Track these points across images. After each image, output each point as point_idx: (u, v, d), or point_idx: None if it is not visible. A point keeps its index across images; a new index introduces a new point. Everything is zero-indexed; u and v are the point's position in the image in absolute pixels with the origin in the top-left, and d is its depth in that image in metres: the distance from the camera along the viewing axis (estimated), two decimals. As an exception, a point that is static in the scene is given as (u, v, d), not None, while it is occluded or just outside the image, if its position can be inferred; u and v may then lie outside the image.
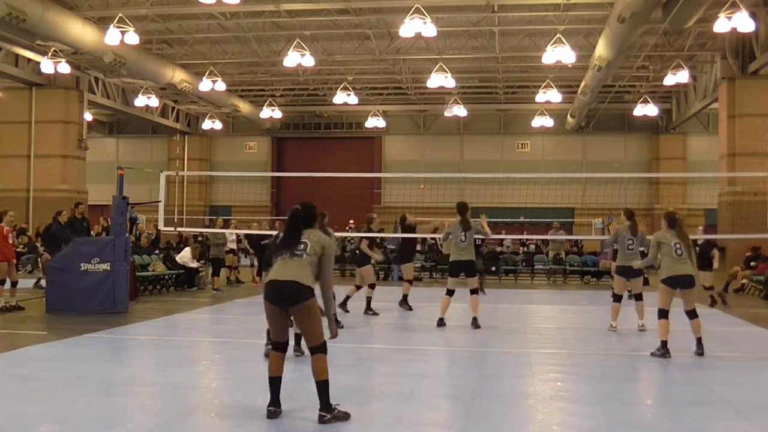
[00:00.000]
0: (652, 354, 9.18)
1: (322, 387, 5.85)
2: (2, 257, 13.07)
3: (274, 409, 6.01)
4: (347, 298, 13.46)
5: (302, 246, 6.04)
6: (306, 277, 5.93)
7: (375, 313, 13.37)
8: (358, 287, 13.68)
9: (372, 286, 13.69)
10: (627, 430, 6.09)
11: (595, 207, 31.45)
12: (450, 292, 11.87)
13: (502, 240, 26.79)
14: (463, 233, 11.75)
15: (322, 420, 5.81)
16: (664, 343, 9.13)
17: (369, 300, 13.57)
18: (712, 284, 15.42)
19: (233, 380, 7.81)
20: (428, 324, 11.99)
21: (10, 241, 13.57)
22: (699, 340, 9.30)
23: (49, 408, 6.50)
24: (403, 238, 15.60)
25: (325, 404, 5.84)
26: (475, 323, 11.62)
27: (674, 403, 7.01)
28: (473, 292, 11.80)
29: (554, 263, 23.95)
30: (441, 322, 11.78)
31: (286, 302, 5.95)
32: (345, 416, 5.90)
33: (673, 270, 9.27)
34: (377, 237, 14.33)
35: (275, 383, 6.04)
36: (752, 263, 19.64)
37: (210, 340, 11.26)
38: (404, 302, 14.17)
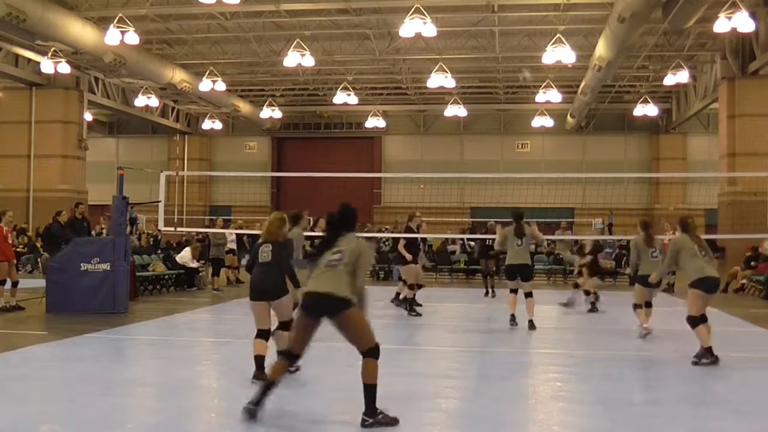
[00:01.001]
0: (696, 363, 8.56)
1: (369, 391, 5.74)
2: (2, 257, 13.06)
3: (254, 408, 5.79)
4: (403, 299, 13.59)
5: (338, 256, 5.92)
6: (341, 289, 5.81)
7: (418, 314, 13.38)
8: (412, 286, 13.69)
9: (412, 287, 13.65)
10: (627, 430, 6.09)
11: (595, 207, 31.50)
12: (514, 291, 11.88)
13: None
14: (518, 239, 11.79)
15: (364, 423, 5.71)
16: (709, 349, 8.62)
17: (407, 299, 13.64)
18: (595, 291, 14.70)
19: (233, 380, 7.81)
20: (428, 324, 11.99)
21: (10, 241, 13.57)
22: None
23: (49, 408, 6.51)
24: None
25: (370, 408, 5.74)
26: (531, 325, 11.54)
27: (674, 403, 7.01)
28: (528, 295, 11.72)
29: (554, 263, 23.95)
30: (513, 319, 11.76)
31: (324, 313, 5.87)
32: (392, 421, 5.78)
33: (707, 271, 8.76)
34: (418, 237, 14.21)
35: (270, 386, 5.90)
36: (752, 263, 19.64)
37: (210, 340, 11.27)
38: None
